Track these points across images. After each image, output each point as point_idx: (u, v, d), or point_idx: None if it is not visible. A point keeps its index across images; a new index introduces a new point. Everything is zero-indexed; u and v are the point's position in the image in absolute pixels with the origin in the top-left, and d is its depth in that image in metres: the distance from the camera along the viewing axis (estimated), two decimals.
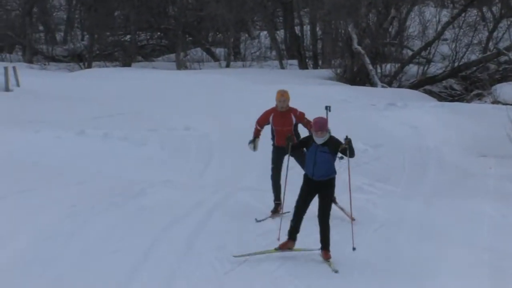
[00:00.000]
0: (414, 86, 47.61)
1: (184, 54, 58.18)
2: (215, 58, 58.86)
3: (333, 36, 51.94)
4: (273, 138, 17.60)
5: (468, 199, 25.04)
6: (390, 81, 48.21)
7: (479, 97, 45.03)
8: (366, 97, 39.98)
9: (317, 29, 55.54)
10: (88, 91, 40.47)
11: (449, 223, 22.48)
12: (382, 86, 44.76)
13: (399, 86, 48.09)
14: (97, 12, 59.69)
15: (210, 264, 16.54)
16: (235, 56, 59.50)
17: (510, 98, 40.92)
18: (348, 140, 14.41)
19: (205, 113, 34.81)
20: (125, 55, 59.74)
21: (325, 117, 15.27)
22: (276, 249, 15.03)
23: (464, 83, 49.49)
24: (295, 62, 55.58)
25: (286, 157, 16.82)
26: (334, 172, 14.66)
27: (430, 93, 46.71)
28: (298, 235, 15.37)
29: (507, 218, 23.27)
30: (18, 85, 40.17)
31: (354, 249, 15.04)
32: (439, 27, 51.37)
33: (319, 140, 14.37)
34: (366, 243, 17.01)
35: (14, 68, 40.80)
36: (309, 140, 14.80)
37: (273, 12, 60.06)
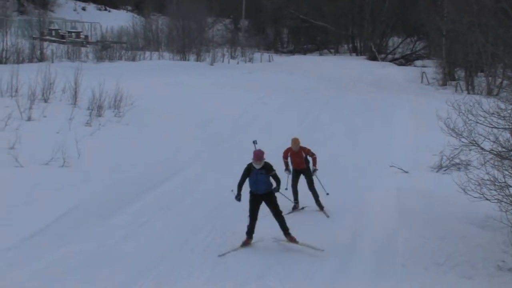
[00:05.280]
0: (390, 61, 58.85)
1: (320, 52, 64.47)
2: (331, 53, 65.52)
3: (368, 46, 61.12)
4: (292, 165, 15.53)
5: (401, 94, 36.41)
6: (383, 59, 59.25)
7: (411, 64, 56.85)
8: (373, 64, 54.04)
9: (361, 44, 63.13)
10: (290, 62, 52.83)
11: (394, 102, 32.43)
12: (380, 61, 58.09)
13: (385, 61, 59.21)
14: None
15: None
16: (337, 51, 65.89)
17: (419, 65, 52.70)
18: (273, 174, 12.64)
19: (318, 66, 49.25)
20: (303, 51, 65.56)
21: (262, 151, 12.74)
22: (242, 246, 12.64)
23: (404, 60, 60.61)
24: (354, 54, 63.37)
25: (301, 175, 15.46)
26: (271, 185, 12.75)
27: (395, 64, 57.33)
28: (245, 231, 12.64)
29: (419, 101, 32.52)
30: (272, 60, 54.21)
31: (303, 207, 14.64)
32: (397, 44, 63.10)
33: (257, 166, 12.57)
34: None
35: (270, 55, 55.24)
36: (250, 168, 12.68)
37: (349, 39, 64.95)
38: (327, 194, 15.84)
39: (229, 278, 11.22)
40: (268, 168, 12.78)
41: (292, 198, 15.47)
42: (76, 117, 21.24)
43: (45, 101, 22.82)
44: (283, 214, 13.06)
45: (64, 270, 11.19)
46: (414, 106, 30.72)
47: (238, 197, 12.86)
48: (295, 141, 15.59)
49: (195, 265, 11.69)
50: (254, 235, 12.92)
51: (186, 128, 22.71)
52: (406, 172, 18.79)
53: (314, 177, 15.65)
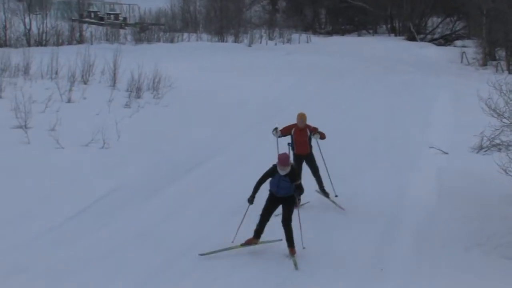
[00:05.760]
0: (429, 42, 57.60)
1: (358, 33, 63.36)
2: (369, 33, 63.90)
3: (407, 26, 59.69)
4: (293, 149, 13.74)
5: (440, 75, 36.01)
6: (421, 39, 57.89)
7: (451, 45, 55.65)
8: (412, 45, 53.47)
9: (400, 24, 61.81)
10: (328, 43, 52.37)
11: (434, 83, 32.18)
12: (419, 41, 57.07)
13: (424, 41, 58.19)
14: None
15: None
16: (375, 32, 64.68)
17: (459, 45, 52.12)
18: (298, 184, 11.19)
19: (357, 47, 48.91)
20: (341, 32, 64.31)
21: (288, 155, 11.45)
22: (242, 245, 11.34)
23: (444, 40, 59.56)
24: (392, 35, 61.73)
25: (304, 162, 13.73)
26: (293, 191, 11.22)
27: (434, 44, 56.51)
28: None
29: (459, 81, 32.40)
30: (310, 41, 53.32)
31: (304, 248, 11.42)
32: (436, 24, 61.74)
33: (282, 172, 11.07)
34: None
35: (308, 36, 54.80)
36: (274, 171, 11.20)
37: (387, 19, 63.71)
38: (336, 196, 14.06)
39: (269, 258, 11.15)
40: (293, 176, 11.32)
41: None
42: (115, 99, 21.42)
43: (85, 83, 23.13)
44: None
45: (105, 251, 11.32)
46: (454, 87, 30.39)
47: (251, 199, 11.46)
48: (301, 116, 13.82)
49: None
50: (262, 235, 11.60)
51: (224, 110, 22.70)
52: (446, 153, 18.58)
53: (316, 139, 13.85)
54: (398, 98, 27.25)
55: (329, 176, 14.07)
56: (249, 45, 46.36)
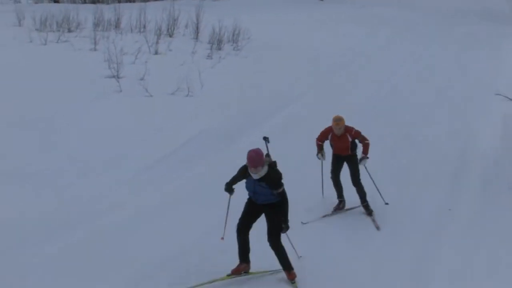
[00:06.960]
0: None
1: None
2: None
3: None
4: (331, 149, 10.89)
5: (509, 25, 32.29)
6: None
7: None
8: None
9: None
10: None
11: (502, 33, 29.51)
12: None
13: None
14: None
15: None
16: None
17: None
18: (279, 192, 8.13)
19: None
20: None
21: (260, 151, 8.08)
22: (229, 275, 8.38)
23: None
24: None
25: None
26: (276, 199, 8.19)
27: None
28: (251, 255, 8.61)
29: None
30: None
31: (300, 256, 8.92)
32: None
33: (255, 176, 8.06)
34: None
35: None
36: (245, 171, 8.18)
37: None
38: (386, 204, 11.29)
39: None
40: (271, 182, 8.26)
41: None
42: (198, 51, 21.87)
43: (170, 36, 23.61)
44: (286, 230, 8.45)
45: (192, 192, 11.78)
46: None
47: (228, 188, 8.71)
48: (338, 122, 10.67)
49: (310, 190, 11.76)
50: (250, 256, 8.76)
51: (299, 62, 22.58)
52: None
53: (361, 166, 10.93)
54: (466, 49, 26.31)
55: (374, 183, 11.27)
56: None
